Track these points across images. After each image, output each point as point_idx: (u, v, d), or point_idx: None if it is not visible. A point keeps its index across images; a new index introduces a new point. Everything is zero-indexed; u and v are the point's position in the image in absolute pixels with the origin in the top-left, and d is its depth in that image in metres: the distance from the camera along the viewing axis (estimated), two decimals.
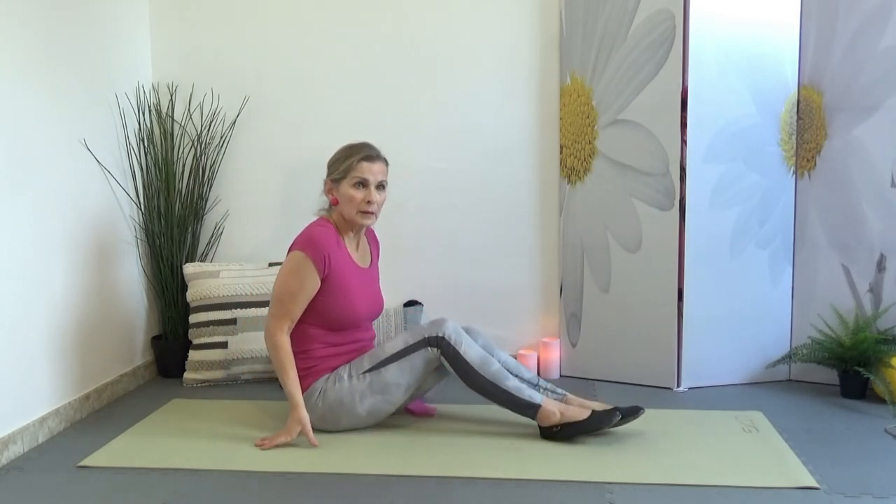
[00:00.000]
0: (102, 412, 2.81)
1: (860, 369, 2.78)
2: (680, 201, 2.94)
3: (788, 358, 3.01)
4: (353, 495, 2.07)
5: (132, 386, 3.12)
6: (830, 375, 2.99)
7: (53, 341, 2.62)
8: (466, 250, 3.37)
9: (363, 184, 2.51)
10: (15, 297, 2.42)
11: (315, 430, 2.44)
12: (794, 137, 3.06)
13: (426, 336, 2.45)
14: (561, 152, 3.29)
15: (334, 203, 2.56)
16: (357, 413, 2.47)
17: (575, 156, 3.21)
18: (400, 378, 2.46)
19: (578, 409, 2.42)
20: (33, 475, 2.24)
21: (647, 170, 3.00)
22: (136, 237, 3.21)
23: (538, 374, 3.17)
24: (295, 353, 2.48)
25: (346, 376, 2.48)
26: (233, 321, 3.13)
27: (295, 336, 2.51)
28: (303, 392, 2.47)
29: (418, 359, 2.45)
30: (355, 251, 2.60)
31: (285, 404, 2.87)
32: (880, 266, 2.91)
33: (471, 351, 2.43)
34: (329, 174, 2.57)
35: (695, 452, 2.34)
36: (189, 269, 3.22)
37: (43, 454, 2.40)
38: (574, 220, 3.24)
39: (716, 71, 2.92)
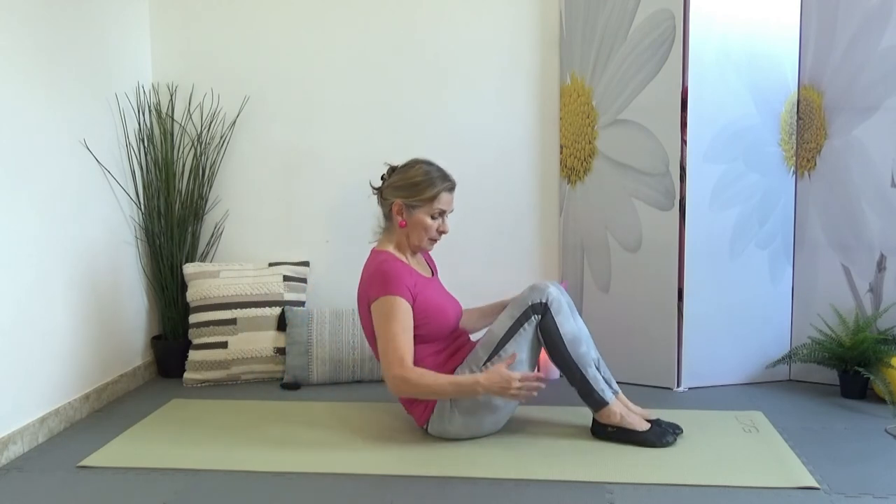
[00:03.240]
0: (102, 412, 2.81)
1: (860, 369, 2.78)
2: (680, 201, 2.94)
3: (788, 358, 3.01)
4: (353, 495, 2.07)
5: (132, 386, 3.12)
6: (830, 375, 2.99)
7: (53, 341, 2.62)
8: (466, 250, 3.37)
9: (441, 214, 2.48)
10: (15, 297, 2.42)
11: (458, 439, 2.43)
12: (794, 137, 3.06)
13: (530, 303, 2.40)
14: (561, 152, 3.29)
15: (402, 226, 2.47)
16: (495, 405, 2.41)
17: (575, 156, 3.21)
18: (520, 354, 2.40)
19: (639, 419, 2.42)
20: (33, 475, 2.24)
21: (647, 170, 3.00)
22: (136, 237, 3.21)
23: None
24: None
25: (468, 375, 2.41)
26: (233, 321, 3.13)
27: None
28: (433, 410, 2.43)
29: (529, 328, 2.40)
30: (417, 266, 2.55)
31: (285, 404, 2.87)
32: (880, 266, 2.91)
33: (566, 325, 2.40)
34: (404, 196, 2.45)
35: (695, 452, 2.34)
36: (189, 269, 3.23)
37: (43, 454, 2.40)
38: (574, 220, 3.24)
39: (716, 71, 2.92)
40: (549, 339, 2.40)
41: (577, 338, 2.41)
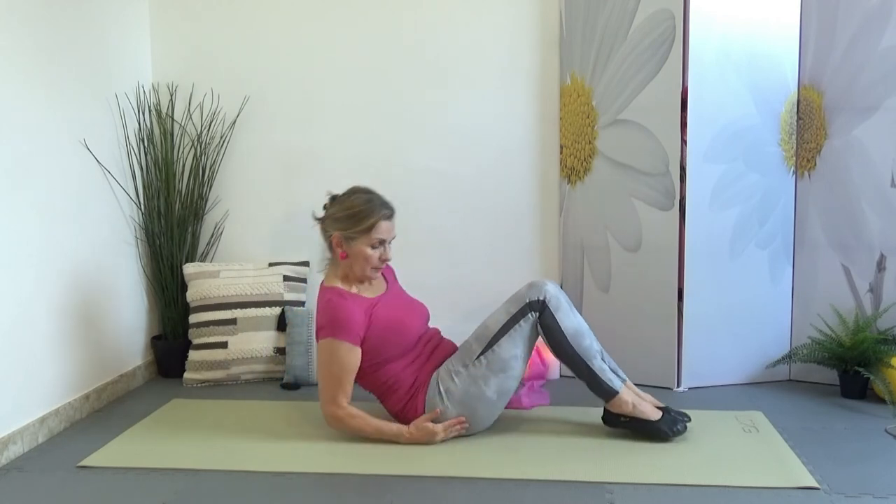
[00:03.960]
0: (102, 412, 2.81)
1: (860, 369, 2.78)
2: (680, 201, 2.94)
3: (788, 358, 3.01)
4: (353, 495, 2.07)
5: (132, 386, 3.12)
6: (830, 375, 2.98)
7: (53, 341, 2.62)
8: (467, 250, 3.37)
9: (381, 243, 2.45)
10: (15, 297, 2.42)
11: (456, 436, 2.44)
12: (794, 137, 3.06)
13: (528, 300, 2.41)
14: (561, 152, 3.29)
15: (342, 258, 2.44)
16: (488, 397, 2.41)
17: (575, 156, 3.21)
18: (515, 349, 2.41)
19: (651, 407, 2.43)
20: (33, 475, 2.24)
21: (647, 170, 3.00)
22: (136, 237, 3.21)
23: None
24: (389, 394, 2.46)
25: (460, 367, 2.42)
26: (233, 321, 3.13)
27: (377, 383, 2.46)
28: (425, 406, 2.43)
29: (525, 325, 2.41)
30: (369, 290, 2.51)
31: (284, 404, 2.87)
32: (880, 266, 2.91)
33: (567, 320, 2.41)
34: (342, 228, 2.42)
35: (695, 452, 2.34)
36: (189, 269, 3.22)
37: (43, 454, 2.40)
38: (574, 220, 3.24)
39: (716, 71, 2.92)
40: (552, 336, 2.41)
41: (580, 332, 2.42)
